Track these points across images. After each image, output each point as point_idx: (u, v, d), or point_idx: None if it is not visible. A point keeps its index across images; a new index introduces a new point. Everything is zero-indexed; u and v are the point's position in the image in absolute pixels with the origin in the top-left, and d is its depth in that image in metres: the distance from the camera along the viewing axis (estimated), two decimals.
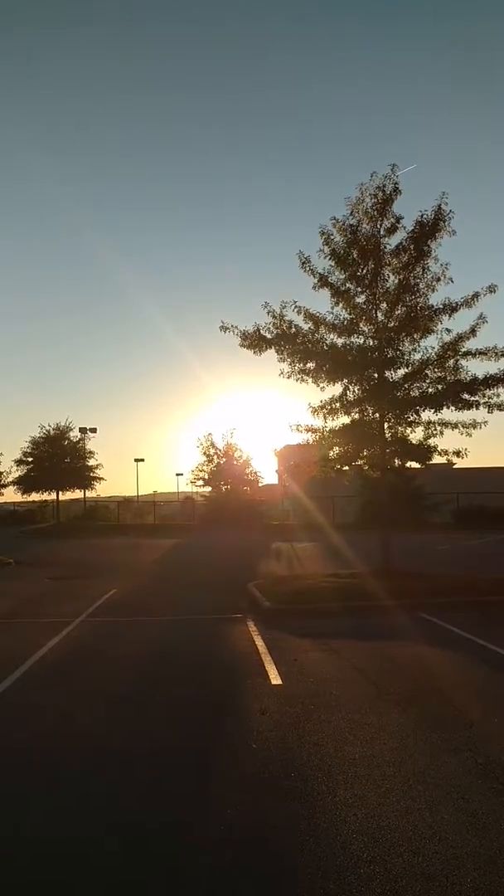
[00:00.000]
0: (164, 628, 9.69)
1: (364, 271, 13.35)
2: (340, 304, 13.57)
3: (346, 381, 13.49)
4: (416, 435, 13.65)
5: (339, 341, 13.55)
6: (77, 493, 43.57)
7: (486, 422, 13.15)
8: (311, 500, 32.55)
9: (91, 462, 41.45)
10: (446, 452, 13.53)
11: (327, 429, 13.89)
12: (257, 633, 8.90)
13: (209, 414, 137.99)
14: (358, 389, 13.53)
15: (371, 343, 13.54)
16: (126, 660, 7.72)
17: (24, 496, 41.63)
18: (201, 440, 41.37)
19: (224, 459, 40.90)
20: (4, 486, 42.52)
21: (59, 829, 3.60)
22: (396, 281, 13.27)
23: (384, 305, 13.46)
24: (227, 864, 3.21)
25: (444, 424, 13.28)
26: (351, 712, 5.47)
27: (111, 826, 3.64)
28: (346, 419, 13.84)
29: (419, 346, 13.36)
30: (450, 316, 13.09)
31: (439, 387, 13.16)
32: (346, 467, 14.56)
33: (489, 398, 12.85)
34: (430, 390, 13.26)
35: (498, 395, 12.84)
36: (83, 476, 40.87)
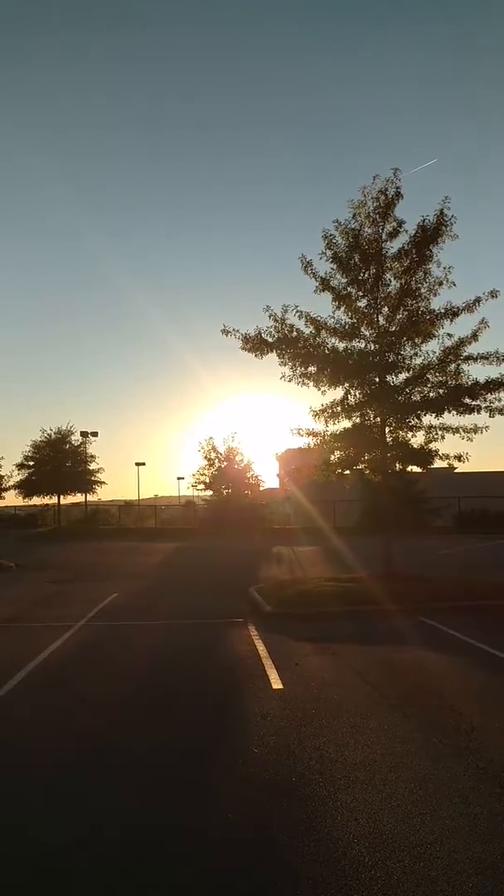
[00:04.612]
0: (165, 632, 9.68)
1: (366, 275, 13.38)
2: (342, 308, 13.61)
3: (347, 385, 13.51)
4: (417, 439, 13.67)
5: (341, 345, 13.57)
6: (78, 497, 43.66)
7: (487, 426, 13.18)
8: (312, 504, 32.53)
9: (92, 466, 41.56)
10: (448, 456, 13.53)
11: (328, 433, 13.90)
12: (258, 637, 8.89)
13: (210, 417, 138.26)
14: (359, 393, 13.55)
15: (372, 347, 13.56)
16: (127, 663, 7.71)
17: (26, 500, 41.70)
18: (202, 444, 41.29)
19: (225, 463, 40.82)
20: (6, 489, 42.60)
21: (60, 830, 3.60)
22: (398, 285, 13.29)
23: (385, 310, 13.48)
24: (228, 867, 3.20)
25: (446, 429, 13.28)
26: (352, 716, 5.46)
27: (112, 828, 3.64)
28: (347, 423, 13.86)
29: (420, 350, 13.39)
30: (451, 320, 13.11)
31: (440, 391, 13.16)
32: (348, 471, 14.56)
33: (490, 402, 12.86)
34: (431, 394, 13.27)
35: (499, 400, 12.85)
36: (84, 480, 40.90)
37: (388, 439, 13.57)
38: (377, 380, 13.43)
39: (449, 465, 14.22)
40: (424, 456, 13.60)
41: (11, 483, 41.59)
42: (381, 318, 13.54)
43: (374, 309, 13.53)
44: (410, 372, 13.39)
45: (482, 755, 4.56)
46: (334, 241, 13.48)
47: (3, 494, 43.10)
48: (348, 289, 13.53)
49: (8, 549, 24.85)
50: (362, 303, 13.58)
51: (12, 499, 43.25)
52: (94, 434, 41.89)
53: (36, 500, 42.62)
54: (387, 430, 13.56)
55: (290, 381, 13.64)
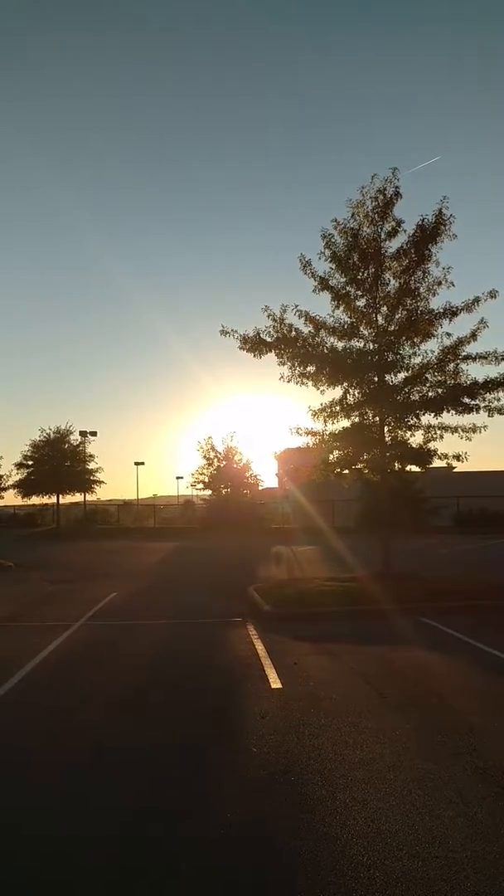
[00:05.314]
0: (164, 631, 9.68)
1: (365, 275, 13.37)
2: (341, 308, 13.59)
3: (346, 384, 13.50)
4: (416, 439, 13.66)
5: (340, 345, 13.56)
6: (77, 497, 43.55)
7: (486, 426, 13.17)
8: (311, 504, 32.53)
9: (91, 465, 41.46)
10: (446, 456, 13.53)
11: (327, 432, 13.90)
12: (257, 637, 8.89)
13: (209, 417, 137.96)
14: (358, 393, 13.54)
15: (371, 347, 13.55)
16: (126, 663, 7.72)
17: (25, 500, 41.60)
18: (201, 443, 41.33)
19: (224, 463, 40.83)
20: (5, 489, 42.51)
21: (59, 829, 3.60)
22: (397, 285, 13.29)
23: (384, 309, 13.47)
24: (226, 867, 3.21)
25: (444, 428, 13.28)
26: (351, 716, 5.47)
27: (110, 826, 3.64)
28: (346, 423, 13.85)
29: (419, 349, 13.37)
30: (450, 320, 13.11)
31: (439, 391, 13.16)
32: (346, 471, 14.56)
33: (489, 402, 12.86)
34: (430, 394, 13.27)
35: (498, 399, 12.84)
36: (83, 479, 40.84)
37: (387, 439, 13.57)
38: (376, 379, 13.42)
39: (448, 464, 14.22)
40: (423, 455, 13.60)
41: (10, 482, 41.56)
42: (379, 318, 13.53)
43: (372, 308, 13.52)
44: (409, 371, 13.37)
45: (481, 754, 4.57)
46: (333, 240, 13.47)
47: (3, 494, 43.04)
48: (347, 288, 13.52)
49: (7, 549, 24.84)
50: (361, 302, 13.57)
51: (11, 498, 43.20)
52: (93, 433, 41.86)
53: (35, 500, 42.55)
54: (385, 429, 13.55)
55: (288, 380, 13.64)
